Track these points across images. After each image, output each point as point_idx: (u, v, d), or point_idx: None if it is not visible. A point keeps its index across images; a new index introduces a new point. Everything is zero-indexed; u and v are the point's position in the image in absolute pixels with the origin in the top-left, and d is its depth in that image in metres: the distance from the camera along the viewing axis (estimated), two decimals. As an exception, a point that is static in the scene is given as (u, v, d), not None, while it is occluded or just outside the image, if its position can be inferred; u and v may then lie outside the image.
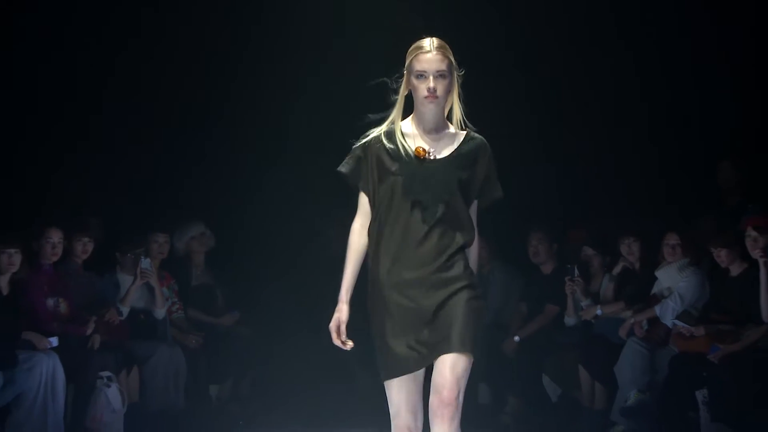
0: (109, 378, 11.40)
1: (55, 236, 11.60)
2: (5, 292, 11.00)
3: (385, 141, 5.33)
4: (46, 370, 10.81)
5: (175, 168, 15.09)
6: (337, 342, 5.34)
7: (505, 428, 11.76)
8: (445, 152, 5.41)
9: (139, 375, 12.11)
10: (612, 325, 11.56)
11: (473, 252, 5.57)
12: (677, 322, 10.88)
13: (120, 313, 12.09)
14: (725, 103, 13.77)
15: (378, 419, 6.91)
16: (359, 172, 5.39)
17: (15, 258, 11.02)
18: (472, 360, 5.24)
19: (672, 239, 11.34)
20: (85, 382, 11.30)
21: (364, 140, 5.39)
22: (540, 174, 14.27)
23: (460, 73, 5.45)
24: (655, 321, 11.19)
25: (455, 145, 5.44)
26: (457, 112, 5.48)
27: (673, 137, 13.72)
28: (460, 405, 5.21)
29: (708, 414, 10.40)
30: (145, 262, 12.33)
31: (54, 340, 11.08)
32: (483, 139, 5.50)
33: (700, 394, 10.50)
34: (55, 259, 11.66)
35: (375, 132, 5.39)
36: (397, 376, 5.30)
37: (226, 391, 13.16)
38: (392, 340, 5.31)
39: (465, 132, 5.49)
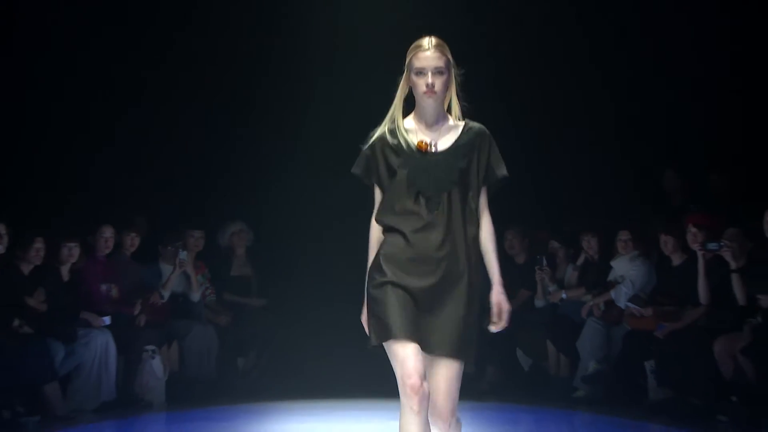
0: (153, 351, 11.74)
1: (108, 232, 11.89)
2: (66, 279, 11.28)
3: (389, 137, 4.87)
4: (100, 344, 11.14)
5: (210, 171, 14.91)
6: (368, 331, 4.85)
7: (484, 393, 11.82)
8: (446, 144, 4.92)
9: (178, 348, 12.45)
10: (574, 307, 11.85)
11: (487, 236, 4.98)
12: (629, 304, 11.16)
13: (162, 297, 12.34)
14: (669, 116, 13.94)
15: (381, 387, 6.79)
16: (370, 170, 4.91)
17: (74, 251, 11.29)
18: (462, 365, 4.79)
19: (624, 235, 11.65)
20: (133, 354, 11.61)
21: (370, 140, 4.92)
22: (515, 178, 13.49)
23: (460, 72, 4.94)
24: (610, 303, 11.44)
25: (455, 137, 4.94)
26: (455, 106, 4.96)
27: (626, 147, 13.70)
28: (456, 404, 4.80)
29: (655, 380, 10.69)
30: (183, 254, 12.44)
31: (107, 319, 11.36)
32: (481, 126, 4.99)
33: (648, 364, 10.78)
34: (107, 251, 11.97)
35: (379, 130, 4.93)
36: (389, 339, 4.65)
37: (250, 362, 13.34)
38: (390, 306, 4.66)
39: (464, 123, 4.98)
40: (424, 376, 4.55)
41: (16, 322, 10.59)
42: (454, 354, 4.69)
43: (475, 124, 4.96)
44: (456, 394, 4.68)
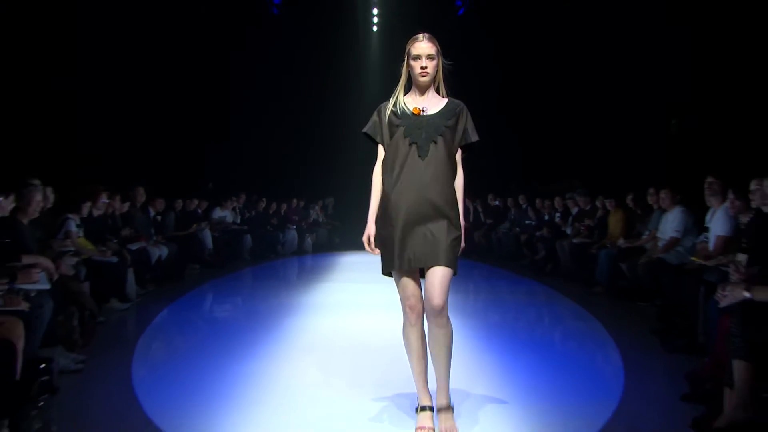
0: (308, 236, 11.94)
1: (294, 201, 12.29)
2: (282, 214, 11.74)
3: (391, 107, 3.05)
4: (292, 234, 11.45)
5: (322, 174, 13.12)
6: (368, 249, 3.03)
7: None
8: (435, 110, 3.03)
9: (316, 235, 12.32)
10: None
11: (459, 186, 3.04)
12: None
13: (311, 221, 12.48)
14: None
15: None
16: (376, 130, 3.07)
17: (284, 206, 11.83)
18: (452, 272, 2.91)
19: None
20: (302, 237, 11.69)
21: (378, 109, 3.09)
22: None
23: (448, 63, 3.07)
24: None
25: (441, 106, 3.04)
26: (442, 85, 3.07)
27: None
28: (447, 305, 2.90)
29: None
30: (316, 207, 12.87)
31: (294, 226, 11.65)
32: (461, 102, 3.10)
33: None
34: (294, 206, 12.26)
35: (386, 103, 3.08)
36: (392, 270, 2.94)
37: (339, 240, 12.69)
38: (393, 244, 2.92)
39: (448, 98, 3.07)
40: (420, 298, 2.97)
41: (268, 227, 11.02)
42: (445, 264, 2.87)
43: (457, 100, 3.10)
44: (447, 293, 2.89)
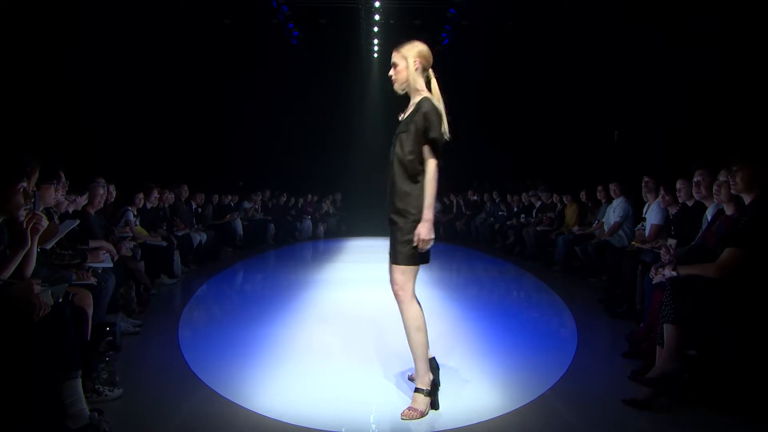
0: (320, 225, 11.56)
1: (310, 195, 11.85)
2: (299, 207, 11.35)
3: None
4: (309, 223, 11.19)
5: (332, 174, 12.47)
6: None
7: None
8: (406, 114, 2.53)
9: (327, 223, 11.95)
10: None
11: (427, 182, 2.45)
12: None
13: (323, 211, 12.07)
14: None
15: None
16: None
17: (301, 201, 11.45)
18: (404, 267, 2.46)
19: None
20: (316, 226, 11.40)
21: None
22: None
23: (416, 66, 2.48)
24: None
25: (410, 110, 2.52)
26: (415, 87, 2.53)
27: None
28: (403, 294, 2.45)
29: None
30: (328, 201, 12.38)
31: (309, 218, 11.32)
32: (422, 103, 2.47)
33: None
34: (309, 200, 11.83)
35: None
36: None
37: (344, 227, 12.30)
38: None
39: (419, 101, 2.50)
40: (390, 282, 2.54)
41: (288, 217, 10.68)
42: (394, 262, 2.46)
43: (423, 102, 2.49)
44: (398, 284, 2.48)
